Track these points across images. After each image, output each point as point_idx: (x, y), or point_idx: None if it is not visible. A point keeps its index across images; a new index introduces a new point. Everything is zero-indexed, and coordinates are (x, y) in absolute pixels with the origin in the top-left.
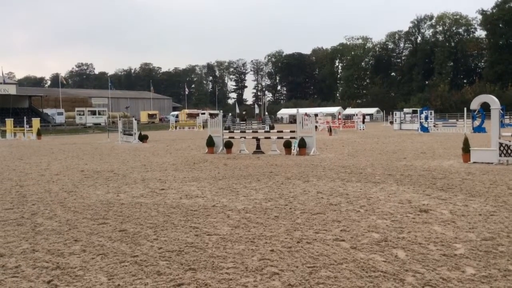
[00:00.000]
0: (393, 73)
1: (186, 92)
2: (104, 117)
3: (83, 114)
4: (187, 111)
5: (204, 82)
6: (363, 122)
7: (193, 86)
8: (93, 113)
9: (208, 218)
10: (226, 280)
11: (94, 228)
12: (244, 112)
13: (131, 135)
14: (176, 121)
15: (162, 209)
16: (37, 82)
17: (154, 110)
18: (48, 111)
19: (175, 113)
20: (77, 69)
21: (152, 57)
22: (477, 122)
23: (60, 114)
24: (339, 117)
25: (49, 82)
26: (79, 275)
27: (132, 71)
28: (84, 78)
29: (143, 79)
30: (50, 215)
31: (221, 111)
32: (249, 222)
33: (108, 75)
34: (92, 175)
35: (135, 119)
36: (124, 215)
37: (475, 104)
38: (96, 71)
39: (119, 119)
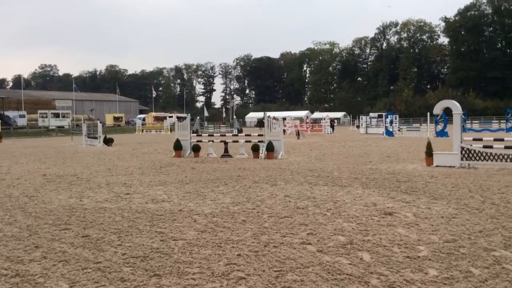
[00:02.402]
0: (359, 78)
1: (153, 95)
2: (68, 119)
3: (46, 117)
4: (154, 114)
5: (172, 85)
6: (332, 126)
7: (160, 89)
8: (57, 115)
9: (174, 222)
10: (191, 286)
11: (56, 234)
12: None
13: (95, 138)
14: (143, 124)
15: (127, 214)
16: None
17: (120, 113)
18: (10, 113)
19: (142, 116)
20: (40, 70)
21: (118, 59)
22: (439, 127)
23: (22, 116)
24: (307, 121)
25: (11, 84)
26: (39, 282)
27: (98, 73)
28: (47, 79)
29: (109, 81)
30: (10, 221)
31: (189, 114)
32: (216, 226)
33: (73, 77)
34: (54, 179)
35: (100, 122)
36: (87, 221)
37: (438, 109)
38: (60, 73)
39: (84, 122)
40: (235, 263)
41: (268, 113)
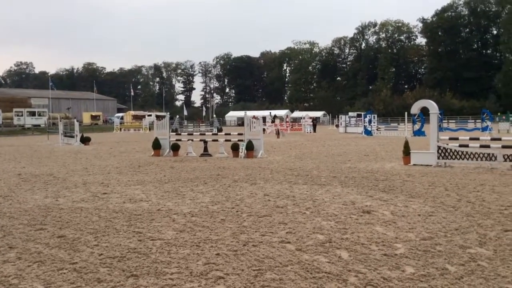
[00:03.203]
0: (338, 78)
1: (132, 94)
2: (44, 118)
3: (22, 115)
4: (132, 112)
5: (151, 83)
6: (314, 125)
7: (139, 87)
8: (33, 114)
9: (153, 222)
10: (169, 286)
11: (31, 235)
12: (274, 115)
13: (72, 137)
14: (121, 123)
15: (104, 214)
16: None
17: (97, 112)
18: None
19: (120, 114)
20: (16, 68)
21: (96, 56)
22: (417, 126)
23: None
24: (287, 120)
25: None
26: (13, 284)
27: (75, 71)
28: (23, 77)
29: (86, 79)
30: None
31: (168, 113)
32: (195, 226)
33: (49, 74)
34: (30, 178)
35: (77, 121)
36: (63, 221)
37: (415, 108)
38: (36, 71)
39: (60, 121)
40: (214, 263)
41: (248, 112)
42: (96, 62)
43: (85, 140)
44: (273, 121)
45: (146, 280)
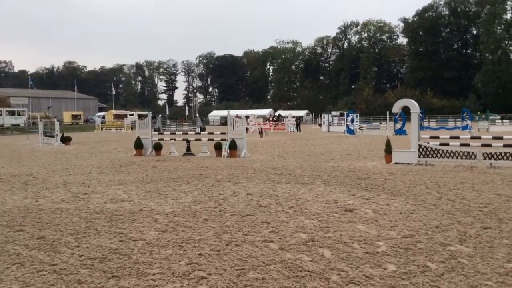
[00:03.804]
0: (321, 77)
1: (113, 92)
2: (24, 117)
3: (1, 115)
4: (114, 112)
5: (133, 82)
6: (298, 125)
7: (120, 86)
8: (12, 113)
9: (134, 222)
10: (151, 286)
11: (10, 236)
12: (277, 114)
13: (52, 136)
14: (102, 122)
15: (84, 214)
16: None
17: (78, 111)
18: None
19: (102, 114)
20: None
21: (77, 55)
22: (398, 125)
23: None
24: (270, 119)
25: None
26: None
27: (55, 69)
28: (2, 76)
29: (67, 78)
30: None
31: (151, 112)
32: (177, 225)
33: (29, 73)
34: (9, 179)
35: (57, 120)
36: (43, 222)
37: (396, 108)
38: (16, 69)
39: (40, 120)
40: (197, 263)
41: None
42: (77, 61)
43: (65, 140)
44: (277, 120)
45: (127, 281)
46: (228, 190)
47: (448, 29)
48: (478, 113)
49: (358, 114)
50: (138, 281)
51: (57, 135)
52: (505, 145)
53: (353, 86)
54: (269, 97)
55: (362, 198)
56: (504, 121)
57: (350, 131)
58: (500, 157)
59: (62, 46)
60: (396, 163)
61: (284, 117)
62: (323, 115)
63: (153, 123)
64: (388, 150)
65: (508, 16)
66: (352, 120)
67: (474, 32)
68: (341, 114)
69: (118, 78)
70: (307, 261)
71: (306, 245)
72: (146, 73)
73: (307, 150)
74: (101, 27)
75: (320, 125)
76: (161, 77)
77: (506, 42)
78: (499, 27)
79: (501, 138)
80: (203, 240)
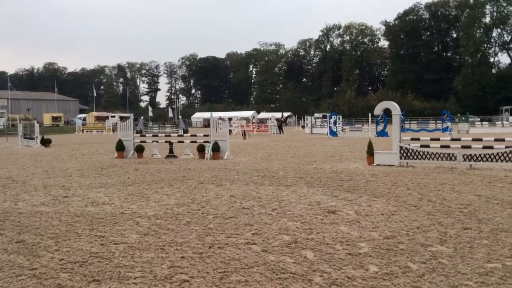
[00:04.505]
0: (304, 79)
1: (94, 94)
2: (3, 119)
3: None
4: (95, 113)
5: (114, 83)
6: (280, 127)
7: (102, 87)
8: None
9: (116, 226)
10: None
11: None
12: (286, 115)
13: (32, 139)
14: (83, 124)
15: (65, 218)
16: None
17: (59, 113)
18: None
19: (82, 115)
20: None
21: (57, 56)
22: (380, 127)
23: None
24: (253, 121)
25: None
26: None
27: (35, 71)
28: None
29: (47, 80)
30: None
31: (133, 114)
32: (159, 228)
33: (8, 74)
34: None
35: (37, 122)
36: (22, 225)
37: (378, 110)
38: None
39: (20, 122)
40: (179, 266)
41: (214, 113)
42: (57, 62)
43: (45, 142)
44: (285, 121)
45: (108, 285)
46: (211, 192)
47: (428, 32)
48: (458, 115)
49: (340, 116)
50: (120, 285)
51: (37, 137)
52: (484, 147)
53: (335, 89)
54: (252, 99)
55: (345, 200)
56: (483, 123)
57: (333, 133)
58: (479, 158)
59: (42, 47)
60: (378, 164)
61: (268, 119)
62: (306, 117)
63: (135, 125)
64: (370, 151)
65: (487, 19)
66: (335, 122)
67: (454, 35)
68: (324, 116)
69: (100, 80)
70: (290, 263)
71: (289, 247)
72: (128, 74)
73: (290, 152)
74: (82, 28)
75: (303, 127)
76: (143, 78)
77: (485, 45)
78: (478, 31)
79: (480, 140)
80: (185, 243)
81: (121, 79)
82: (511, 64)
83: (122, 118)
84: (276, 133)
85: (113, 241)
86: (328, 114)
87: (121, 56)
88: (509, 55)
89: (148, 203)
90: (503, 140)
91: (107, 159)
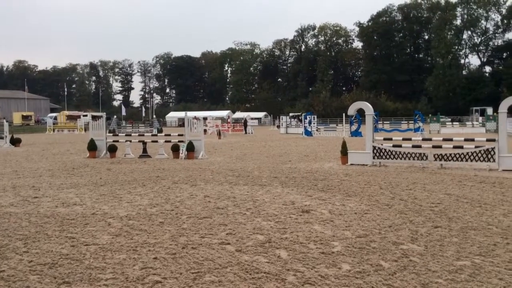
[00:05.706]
0: (279, 79)
1: (66, 93)
2: None
3: None
4: (67, 112)
5: (87, 82)
6: (245, 126)
7: (74, 86)
8: None
9: (87, 227)
10: None
11: None
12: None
13: (1, 138)
14: (54, 124)
15: (34, 219)
16: None
17: (29, 111)
18: None
19: (54, 114)
20: None
21: (27, 54)
22: (354, 127)
23: None
24: (228, 120)
25: None
26: None
27: (4, 69)
28: None
29: (17, 78)
30: None
31: (105, 113)
32: (132, 229)
33: None
34: None
35: (7, 121)
36: None
37: (352, 110)
38: None
39: None
40: (151, 267)
41: (189, 113)
42: (28, 60)
43: (15, 142)
44: (300, 119)
45: (79, 287)
46: (185, 192)
47: (401, 34)
48: (430, 115)
49: (315, 116)
50: (90, 287)
51: (6, 136)
52: (454, 147)
53: (310, 89)
54: (227, 98)
55: (319, 199)
56: (454, 123)
57: (308, 133)
58: (450, 158)
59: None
60: (351, 164)
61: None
62: (281, 117)
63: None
64: (344, 151)
65: (458, 22)
66: (310, 122)
67: (426, 37)
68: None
69: (71, 78)
70: (263, 263)
71: (263, 246)
72: (101, 73)
73: (265, 151)
74: (53, 26)
75: (278, 126)
76: (116, 77)
77: (456, 47)
78: (449, 33)
79: (451, 140)
80: (158, 244)
81: (94, 78)
82: (481, 66)
83: (94, 117)
84: (252, 133)
85: (84, 242)
86: (303, 114)
87: (93, 54)
88: (479, 57)
89: (120, 204)
90: (472, 140)
91: (79, 159)
